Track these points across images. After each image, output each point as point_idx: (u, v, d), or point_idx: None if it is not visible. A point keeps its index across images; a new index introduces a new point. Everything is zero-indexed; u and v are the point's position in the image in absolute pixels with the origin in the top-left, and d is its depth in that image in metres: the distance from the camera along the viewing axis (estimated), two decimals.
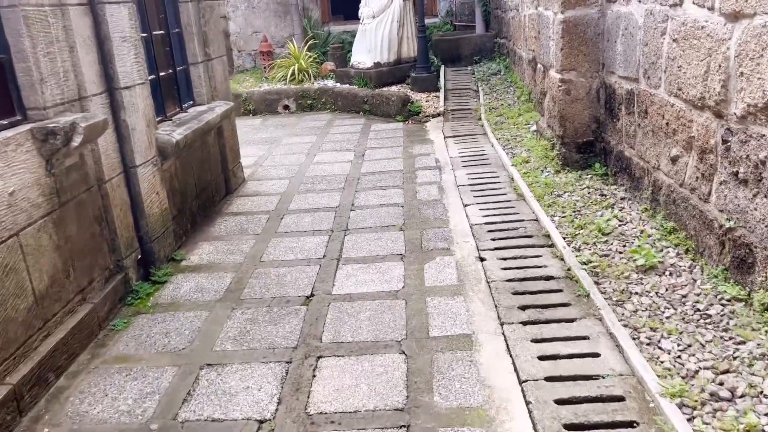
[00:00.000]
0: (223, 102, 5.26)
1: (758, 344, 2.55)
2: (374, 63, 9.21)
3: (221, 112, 4.99)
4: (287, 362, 2.87)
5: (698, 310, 2.91)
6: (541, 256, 3.74)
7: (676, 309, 2.96)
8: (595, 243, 3.78)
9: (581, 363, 2.65)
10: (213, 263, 4.07)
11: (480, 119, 7.55)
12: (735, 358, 2.51)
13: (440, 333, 3.00)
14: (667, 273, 3.30)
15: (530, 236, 4.04)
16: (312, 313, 3.31)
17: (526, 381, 2.56)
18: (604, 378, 2.53)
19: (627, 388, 2.45)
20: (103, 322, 3.29)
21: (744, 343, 2.59)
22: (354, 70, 9.41)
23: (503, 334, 2.94)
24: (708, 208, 3.20)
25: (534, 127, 6.42)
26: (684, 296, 3.05)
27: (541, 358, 2.71)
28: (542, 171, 5.19)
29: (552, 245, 3.86)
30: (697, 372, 2.47)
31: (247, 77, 10.80)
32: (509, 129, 6.79)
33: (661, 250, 3.53)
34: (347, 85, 9.40)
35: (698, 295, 3.04)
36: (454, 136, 7.00)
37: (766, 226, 2.66)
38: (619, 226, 3.95)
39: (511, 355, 2.76)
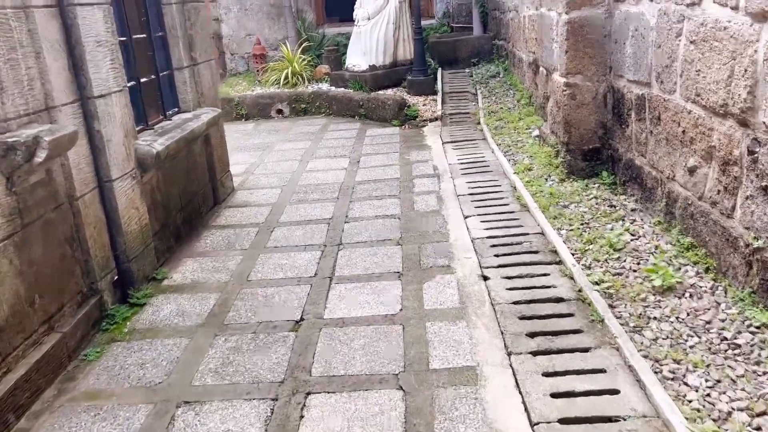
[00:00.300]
0: (211, 109, 4.99)
1: None
2: (369, 66, 8.95)
3: (208, 120, 4.72)
4: (273, 399, 2.60)
5: (725, 338, 2.65)
6: (548, 274, 3.47)
7: (700, 337, 2.70)
8: (606, 260, 3.52)
9: (599, 401, 2.39)
10: (197, 283, 3.80)
11: (479, 123, 7.30)
12: None
13: (441, 365, 2.74)
14: (687, 295, 3.05)
15: (536, 252, 3.78)
16: (301, 341, 3.04)
17: (538, 423, 2.30)
18: (625, 420, 2.27)
19: None
20: (73, 352, 3.01)
21: None
22: (349, 73, 9.15)
23: (511, 366, 2.68)
24: (732, 225, 2.95)
25: (536, 132, 6.17)
26: (708, 322, 2.79)
27: (554, 395, 2.44)
28: (546, 179, 4.93)
29: (560, 262, 3.60)
30: (729, 414, 2.21)
31: (239, 80, 10.53)
32: (510, 134, 6.53)
33: (679, 269, 3.28)
34: (342, 89, 9.13)
35: (723, 321, 2.78)
36: (452, 142, 6.74)
37: None
38: (632, 240, 3.69)
39: (520, 392, 2.50)
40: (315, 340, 3.02)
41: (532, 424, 2.30)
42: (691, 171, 3.33)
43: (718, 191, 3.05)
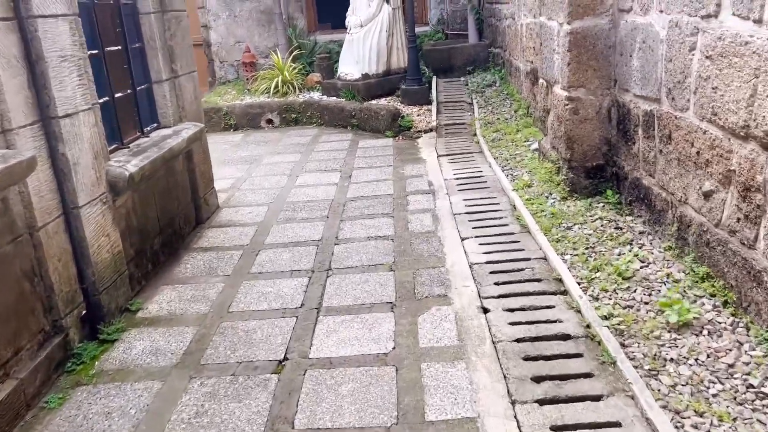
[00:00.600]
0: (193, 124, 4.72)
1: None
2: (362, 74, 8.70)
3: (189, 136, 4.45)
4: None
5: (751, 386, 2.40)
6: (553, 306, 3.22)
7: (723, 384, 2.45)
8: (615, 290, 3.27)
9: None
10: (174, 315, 3.52)
11: (475, 135, 7.05)
12: None
13: (439, 416, 2.47)
14: (706, 332, 2.79)
15: (539, 280, 3.52)
16: (284, 385, 2.76)
17: None
18: None
19: None
20: (32, 399, 2.73)
21: None
22: (341, 81, 8.90)
23: (516, 417, 2.41)
24: (754, 257, 2.70)
25: (535, 146, 5.93)
26: (731, 365, 2.54)
27: None
28: (547, 198, 4.68)
29: (565, 292, 3.34)
30: None
31: (229, 89, 10.26)
32: (507, 147, 6.28)
33: (695, 301, 3.03)
34: (334, 98, 8.88)
35: (748, 364, 2.53)
36: (448, 155, 6.49)
37: None
38: (641, 268, 3.44)
39: None
40: (299, 385, 2.75)
41: None
42: (707, 195, 3.08)
43: (738, 219, 2.80)
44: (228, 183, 6.18)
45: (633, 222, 4.01)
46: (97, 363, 3.06)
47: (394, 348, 2.99)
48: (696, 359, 2.63)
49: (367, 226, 4.70)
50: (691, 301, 3.03)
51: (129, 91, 4.11)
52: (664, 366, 2.61)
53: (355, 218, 4.90)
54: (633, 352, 2.73)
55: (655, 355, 2.69)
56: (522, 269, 3.67)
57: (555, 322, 3.07)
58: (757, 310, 2.69)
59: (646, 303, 3.13)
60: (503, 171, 5.54)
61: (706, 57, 2.97)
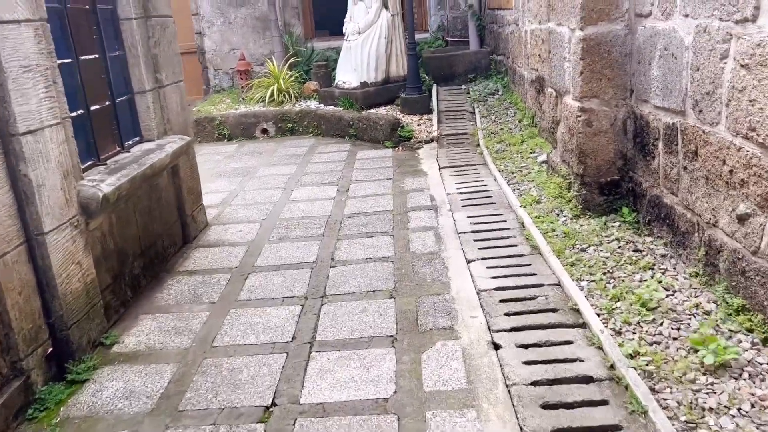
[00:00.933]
0: (178, 137, 4.41)
1: None
2: (361, 83, 8.41)
3: (173, 150, 4.14)
4: None
5: None
6: (572, 342, 2.90)
7: None
8: (639, 323, 2.95)
9: None
10: (152, 349, 3.20)
11: (478, 146, 6.76)
12: None
13: None
14: (746, 375, 2.48)
15: (554, 310, 3.21)
16: None
17: None
18: None
19: None
20: None
21: None
22: (339, 90, 8.60)
23: None
24: None
25: (542, 158, 5.63)
26: None
27: None
28: (558, 215, 4.37)
29: (584, 325, 3.03)
30: None
31: (223, 98, 9.96)
32: (512, 158, 5.99)
33: (730, 337, 2.71)
34: (331, 107, 8.58)
35: None
36: (450, 167, 6.18)
37: None
38: (667, 297, 3.13)
39: None
40: None
41: None
42: (742, 219, 2.77)
43: None
44: (219, 197, 5.86)
45: (653, 244, 3.70)
46: (63, 408, 2.74)
47: (395, 392, 2.67)
48: (739, 409, 2.31)
49: (366, 245, 4.39)
50: (725, 337, 2.71)
51: (107, 102, 3.80)
52: (703, 417, 2.29)
53: (353, 237, 4.59)
54: (666, 400, 2.41)
55: (691, 403, 2.37)
56: (534, 297, 3.36)
57: (575, 361, 2.76)
58: None
59: (675, 338, 2.81)
60: (509, 185, 5.24)
61: (742, 66, 2.67)
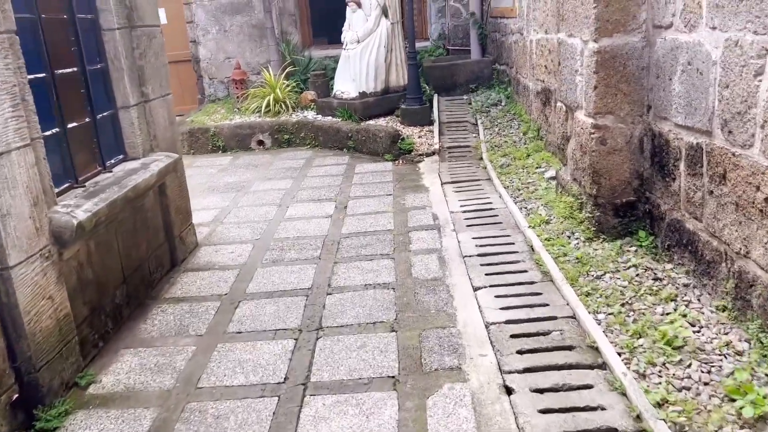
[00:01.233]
0: (165, 154, 4.14)
1: None
2: (359, 93, 8.16)
3: (160, 169, 3.88)
4: None
5: None
6: (592, 386, 2.63)
7: None
8: (665, 364, 2.69)
9: None
10: (132, 390, 2.92)
11: (482, 159, 6.51)
12: None
13: None
14: None
15: (570, 347, 2.94)
16: None
17: None
18: None
19: None
20: None
21: None
22: (337, 100, 8.36)
23: None
24: None
25: (549, 174, 5.38)
26: None
27: None
28: (569, 237, 4.11)
29: (604, 366, 2.76)
30: None
31: (218, 108, 9.71)
32: (518, 173, 5.74)
33: (767, 383, 2.45)
34: (330, 118, 8.33)
35: None
36: (453, 182, 5.93)
37: None
38: (694, 333, 2.87)
39: None
40: None
41: None
42: None
43: None
44: (211, 215, 5.60)
45: (674, 271, 3.44)
46: None
47: None
48: None
49: (365, 270, 4.12)
50: (762, 383, 2.45)
51: (87, 119, 3.54)
52: None
53: (351, 259, 4.32)
54: None
55: None
56: (548, 332, 3.09)
57: (596, 409, 2.49)
58: None
59: (707, 383, 2.55)
60: (516, 203, 4.99)
61: None
